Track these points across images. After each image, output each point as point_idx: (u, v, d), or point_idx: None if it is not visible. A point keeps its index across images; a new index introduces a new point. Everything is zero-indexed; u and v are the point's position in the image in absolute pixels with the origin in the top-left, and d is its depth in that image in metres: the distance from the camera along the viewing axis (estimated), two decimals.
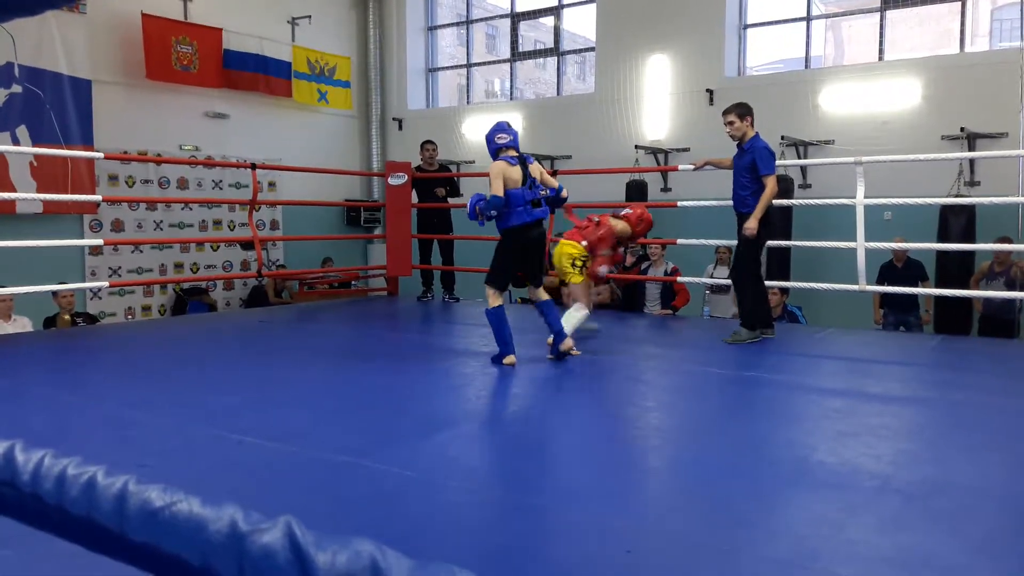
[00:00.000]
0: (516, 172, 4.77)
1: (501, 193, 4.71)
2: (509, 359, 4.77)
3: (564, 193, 5.15)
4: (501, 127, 4.93)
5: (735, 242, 5.95)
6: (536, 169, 4.92)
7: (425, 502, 2.58)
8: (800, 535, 2.35)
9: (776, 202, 8.28)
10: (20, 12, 0.64)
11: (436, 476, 2.82)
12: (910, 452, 3.26)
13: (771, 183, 5.53)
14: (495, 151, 4.87)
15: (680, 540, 2.32)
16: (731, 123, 5.66)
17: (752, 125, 5.68)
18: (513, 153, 4.83)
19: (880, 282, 7.73)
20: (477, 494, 2.68)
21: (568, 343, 4.96)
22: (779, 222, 5.64)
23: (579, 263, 5.55)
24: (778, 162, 8.35)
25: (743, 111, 5.67)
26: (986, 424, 3.66)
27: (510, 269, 4.99)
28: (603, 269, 5.72)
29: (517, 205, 4.75)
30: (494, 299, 4.85)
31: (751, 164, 5.58)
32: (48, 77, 8.71)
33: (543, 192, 4.90)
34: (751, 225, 5.50)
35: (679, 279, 7.34)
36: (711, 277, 7.96)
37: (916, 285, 7.27)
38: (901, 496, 2.66)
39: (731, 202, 5.78)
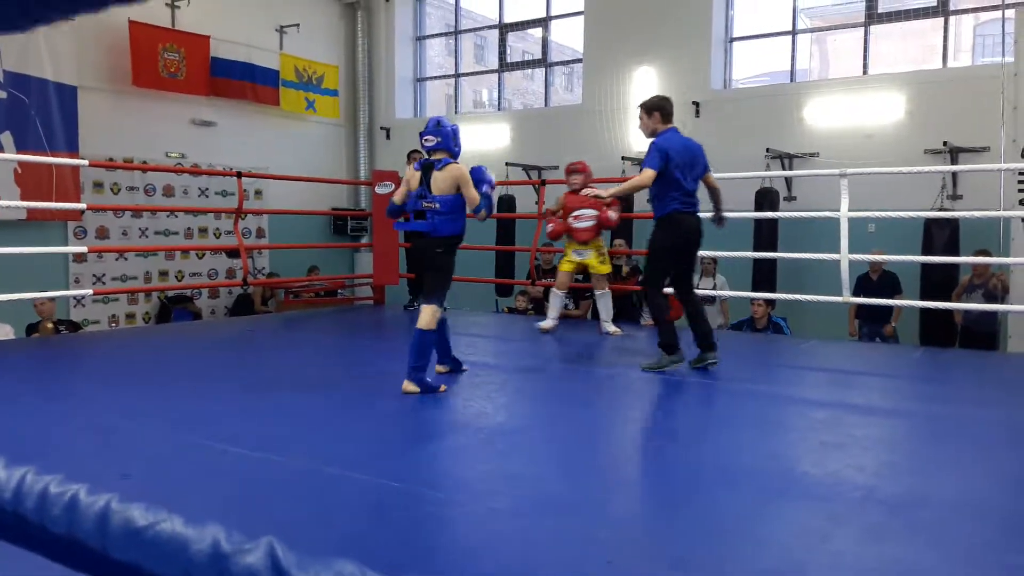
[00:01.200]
0: (415, 178, 4.49)
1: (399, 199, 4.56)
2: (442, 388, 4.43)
3: (482, 213, 4.53)
4: (429, 127, 4.50)
5: (725, 253, 5.95)
6: (444, 176, 4.41)
7: (410, 513, 2.57)
8: (785, 546, 2.36)
9: (761, 215, 8.41)
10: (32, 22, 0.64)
11: (422, 487, 2.81)
12: (893, 463, 3.28)
13: (646, 174, 4.90)
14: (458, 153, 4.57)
15: (663, 551, 2.32)
16: (640, 119, 5.21)
17: (665, 120, 5.12)
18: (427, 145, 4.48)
19: (856, 293, 7.78)
20: (463, 505, 2.67)
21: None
22: (687, 234, 5.00)
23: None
24: (763, 173, 8.50)
25: (648, 106, 5.16)
26: (968, 436, 3.69)
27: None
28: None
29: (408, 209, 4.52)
30: (427, 317, 4.44)
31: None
32: (34, 83, 8.66)
33: (430, 204, 4.40)
34: (599, 192, 5.16)
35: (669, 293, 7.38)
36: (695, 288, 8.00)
37: (891, 297, 7.33)
38: (884, 507, 2.67)
39: (723, 213, 5.67)
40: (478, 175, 4.56)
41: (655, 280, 5.14)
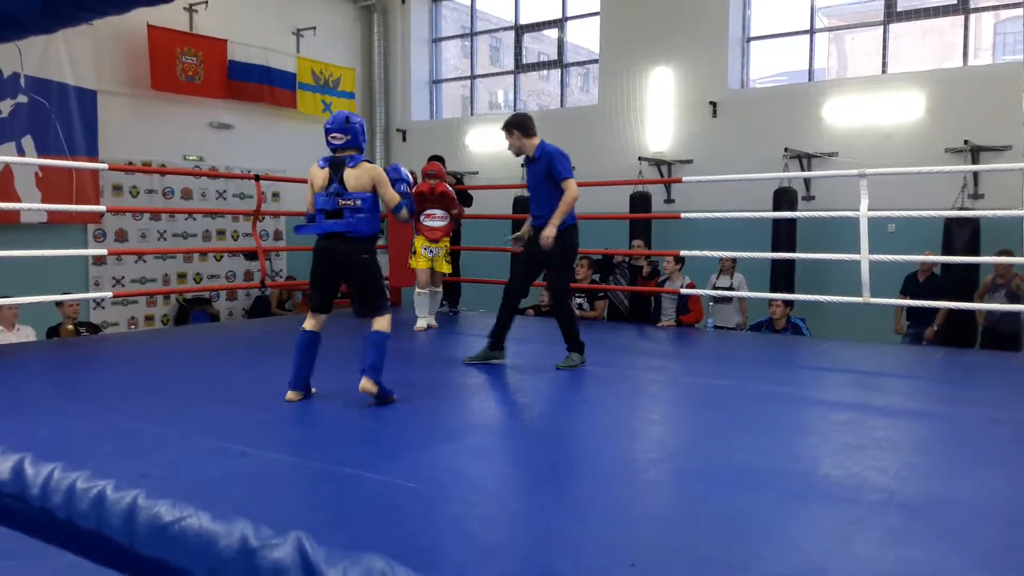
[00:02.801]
0: (320, 176, 4.16)
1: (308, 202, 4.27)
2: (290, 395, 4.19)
3: (403, 213, 4.33)
4: (336, 121, 4.19)
5: (743, 253, 5.88)
6: (358, 174, 4.10)
7: (427, 514, 2.57)
8: (806, 549, 2.34)
9: (780, 214, 8.37)
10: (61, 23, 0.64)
11: (439, 488, 2.81)
12: (915, 466, 3.25)
13: (570, 187, 4.99)
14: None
15: (685, 553, 2.31)
16: (507, 139, 5.26)
17: (530, 134, 5.17)
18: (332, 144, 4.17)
19: (903, 293, 7.74)
20: (480, 506, 2.67)
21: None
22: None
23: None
24: (782, 174, 8.45)
25: (508, 125, 5.22)
26: (991, 438, 3.65)
27: (314, 287, 4.35)
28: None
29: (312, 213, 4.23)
30: (308, 321, 4.34)
31: (547, 172, 5.08)
32: (54, 87, 8.75)
33: (348, 202, 4.07)
34: (548, 233, 4.93)
35: (692, 294, 7.38)
36: (714, 288, 7.96)
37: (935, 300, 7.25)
38: (906, 510, 2.64)
39: (735, 213, 5.70)
40: (394, 174, 4.38)
41: (568, 285, 5.37)
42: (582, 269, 7.96)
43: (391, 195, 4.19)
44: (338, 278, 4.24)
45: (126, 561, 0.59)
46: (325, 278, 4.24)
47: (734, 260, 8.17)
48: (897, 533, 2.44)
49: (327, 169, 4.12)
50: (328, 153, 4.20)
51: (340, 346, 6.29)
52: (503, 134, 5.28)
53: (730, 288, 7.92)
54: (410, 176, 4.64)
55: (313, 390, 4.31)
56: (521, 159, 5.41)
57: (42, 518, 0.63)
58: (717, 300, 8.11)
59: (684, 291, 7.31)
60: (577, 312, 7.86)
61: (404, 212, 4.30)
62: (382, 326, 4.15)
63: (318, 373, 4.28)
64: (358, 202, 4.06)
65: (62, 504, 0.62)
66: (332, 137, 4.13)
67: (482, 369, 5.13)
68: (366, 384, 4.00)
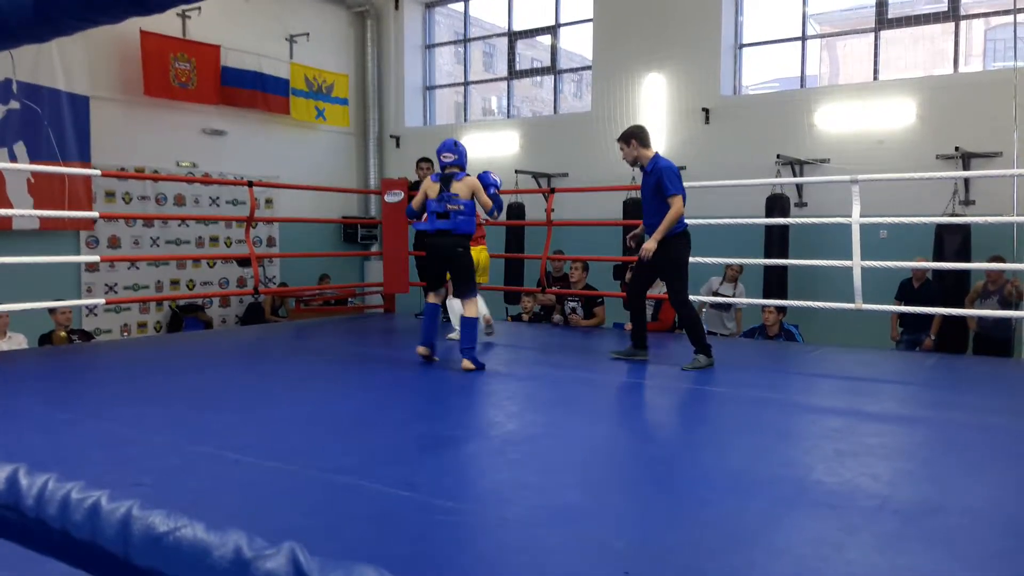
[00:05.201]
0: (433, 188, 5.36)
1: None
2: (420, 350, 5.44)
3: (495, 215, 5.56)
4: (444, 147, 5.45)
5: (736, 260, 5.91)
6: (462, 186, 5.31)
7: (422, 522, 2.56)
8: (800, 555, 2.34)
9: (772, 221, 8.40)
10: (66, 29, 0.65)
11: (433, 495, 2.80)
12: (908, 472, 3.26)
13: (676, 203, 5.33)
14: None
15: (679, 560, 2.31)
16: (621, 150, 5.54)
17: (646, 146, 5.48)
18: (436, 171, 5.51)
19: (898, 299, 7.76)
20: (474, 514, 2.67)
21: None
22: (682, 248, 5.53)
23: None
24: (774, 180, 8.48)
25: (626, 136, 5.50)
26: (984, 444, 3.66)
27: (427, 273, 5.54)
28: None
29: (428, 213, 5.38)
30: (429, 296, 5.50)
31: (656, 185, 5.40)
32: (46, 93, 8.73)
33: (454, 207, 5.25)
34: (648, 247, 5.32)
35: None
36: (714, 293, 7.97)
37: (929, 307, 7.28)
38: (899, 516, 2.65)
39: (728, 220, 5.78)
40: (484, 179, 5.43)
41: (686, 291, 5.54)
42: (576, 272, 7.95)
43: (486, 200, 5.37)
44: (443, 264, 5.36)
45: (121, 572, 0.59)
46: (434, 265, 5.39)
47: (740, 268, 8.17)
48: (890, 539, 2.44)
49: (439, 183, 5.31)
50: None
51: (349, 353, 6.30)
52: (618, 145, 5.53)
53: (731, 297, 7.94)
54: (498, 180, 5.55)
55: (436, 358, 5.47)
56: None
57: (37, 529, 0.63)
58: (713, 307, 8.13)
59: (703, 298, 7.31)
60: (570, 321, 7.87)
61: (496, 213, 5.47)
62: (470, 312, 5.29)
63: (322, 380, 4.27)
64: (461, 207, 5.24)
65: (57, 515, 0.62)
66: (444, 156, 5.38)
67: (476, 375, 5.12)
68: (466, 364, 5.16)
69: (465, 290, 5.31)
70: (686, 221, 5.53)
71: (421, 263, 5.58)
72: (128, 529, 0.59)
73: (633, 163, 5.56)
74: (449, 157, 5.36)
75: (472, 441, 3.69)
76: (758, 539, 2.46)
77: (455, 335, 6.88)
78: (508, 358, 6.09)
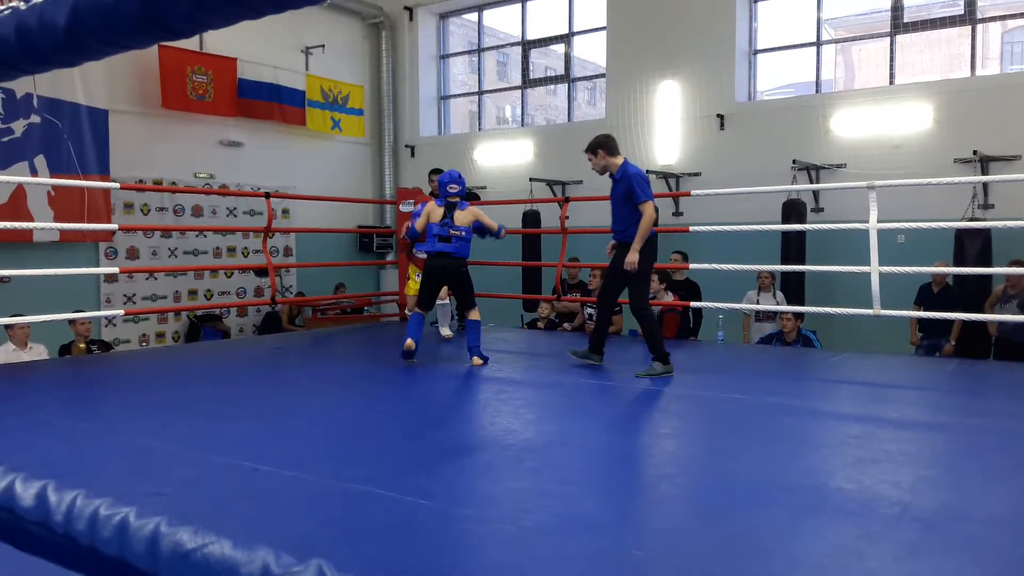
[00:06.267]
0: (438, 212, 5.96)
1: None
2: (408, 343, 5.86)
3: (503, 233, 6.22)
4: (450, 178, 5.99)
5: (753, 267, 5.90)
6: (465, 214, 5.95)
7: (439, 531, 2.57)
8: (820, 564, 2.33)
9: (788, 227, 8.36)
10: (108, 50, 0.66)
11: (450, 504, 2.81)
12: (929, 479, 3.23)
13: (647, 209, 5.34)
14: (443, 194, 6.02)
15: (698, 569, 2.30)
16: (589, 160, 5.59)
17: (614, 154, 5.51)
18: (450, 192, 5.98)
19: (917, 304, 7.71)
20: (491, 523, 2.67)
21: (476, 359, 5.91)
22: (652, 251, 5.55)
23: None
24: (790, 187, 8.45)
25: (592, 147, 5.55)
26: (1005, 450, 3.63)
27: (424, 291, 6.07)
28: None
29: (428, 236, 5.93)
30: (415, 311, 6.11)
31: (626, 193, 5.42)
32: (66, 107, 8.83)
33: (456, 232, 5.86)
34: (631, 259, 5.33)
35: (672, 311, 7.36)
36: (756, 303, 7.93)
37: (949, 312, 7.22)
38: (920, 524, 2.63)
39: (744, 226, 5.77)
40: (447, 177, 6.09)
41: (647, 298, 5.61)
42: (595, 280, 7.94)
43: (491, 223, 6.10)
44: (443, 283, 6.06)
45: None
46: (433, 283, 5.98)
47: (773, 276, 8.13)
48: (912, 547, 2.43)
49: (443, 208, 5.91)
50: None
51: (365, 362, 6.32)
52: (587, 156, 5.60)
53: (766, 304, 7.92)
54: (461, 181, 6.09)
55: (414, 361, 5.93)
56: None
57: (66, 544, 0.64)
58: (759, 317, 8.10)
59: (698, 304, 7.29)
60: (587, 328, 7.86)
61: (503, 231, 6.19)
62: (475, 316, 6.01)
63: (339, 388, 4.28)
64: (462, 232, 5.88)
65: (85, 531, 0.63)
66: (450, 187, 5.94)
67: (491, 383, 5.13)
68: (476, 360, 5.85)
69: (470, 304, 6.01)
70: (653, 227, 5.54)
71: (425, 281, 6.03)
72: (156, 545, 0.60)
73: (602, 172, 5.58)
74: (455, 188, 5.93)
75: (489, 449, 3.70)
76: (778, 547, 2.45)
77: (448, 332, 7.66)
78: (524, 366, 6.09)
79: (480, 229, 6.07)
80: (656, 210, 5.49)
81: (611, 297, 5.74)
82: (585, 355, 5.78)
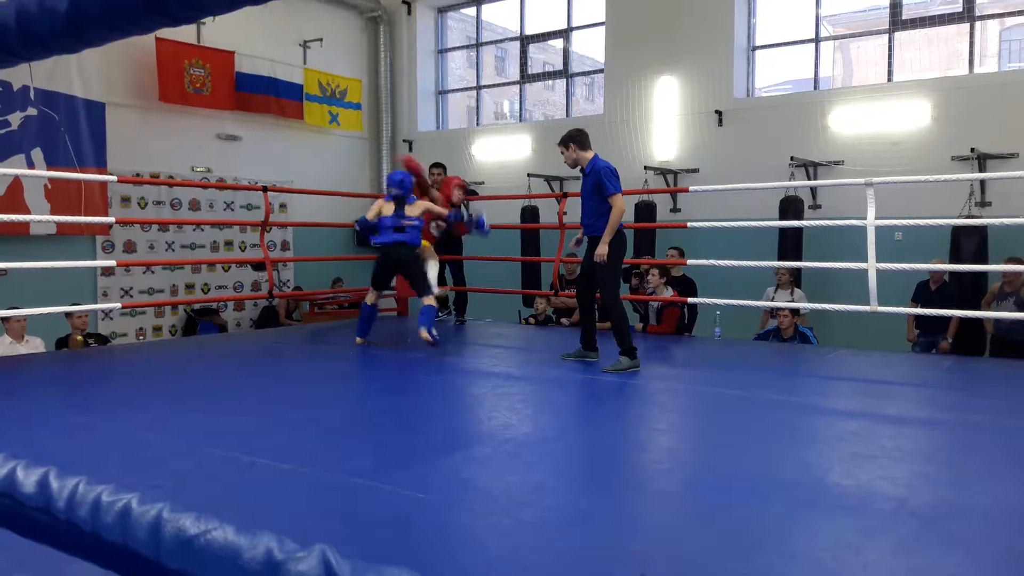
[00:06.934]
0: (388, 207, 6.41)
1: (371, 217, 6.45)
2: (359, 340, 6.50)
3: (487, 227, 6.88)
4: (395, 179, 6.48)
5: (750, 263, 5.92)
6: (415, 207, 6.48)
7: (437, 524, 2.57)
8: (817, 559, 2.33)
9: (786, 223, 8.36)
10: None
11: (448, 498, 2.81)
12: (926, 474, 3.24)
13: (617, 202, 5.40)
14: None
15: (695, 563, 2.31)
16: (561, 154, 5.69)
17: (585, 148, 5.59)
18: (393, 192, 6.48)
19: (915, 302, 7.72)
20: (489, 516, 2.67)
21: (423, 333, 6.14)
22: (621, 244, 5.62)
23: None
24: (788, 183, 8.46)
25: (564, 140, 5.64)
26: (1002, 446, 3.64)
27: (380, 275, 6.60)
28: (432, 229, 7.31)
29: (382, 229, 6.37)
30: (370, 296, 6.61)
31: (595, 186, 5.47)
32: (63, 100, 8.81)
33: (409, 222, 6.37)
34: (600, 251, 5.36)
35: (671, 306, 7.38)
36: (771, 300, 7.92)
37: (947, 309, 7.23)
38: (917, 519, 2.64)
39: (742, 222, 5.78)
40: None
41: (616, 290, 5.64)
42: None
43: (441, 212, 6.84)
44: (396, 270, 6.60)
45: (152, 574, 0.60)
46: (388, 270, 6.58)
47: (790, 273, 8.12)
48: (908, 542, 2.43)
49: (392, 203, 6.40)
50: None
51: (362, 356, 6.32)
52: (559, 149, 5.66)
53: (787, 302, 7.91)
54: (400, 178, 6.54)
55: (371, 341, 6.53)
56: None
57: (68, 531, 0.64)
58: (774, 315, 8.10)
59: (691, 301, 7.30)
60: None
61: (486, 226, 6.92)
62: (430, 302, 6.40)
63: (336, 382, 4.28)
64: (414, 223, 6.39)
65: (88, 517, 0.63)
66: (390, 189, 6.49)
67: (488, 378, 5.14)
68: (423, 334, 6.08)
69: (424, 289, 6.45)
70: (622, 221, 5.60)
71: (378, 268, 6.57)
72: (159, 531, 0.60)
73: (573, 166, 5.66)
74: (393, 191, 6.45)
75: (486, 444, 3.70)
76: (775, 542, 2.45)
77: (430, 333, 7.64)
78: (521, 360, 6.10)
79: (465, 224, 6.77)
80: (626, 204, 5.54)
81: (588, 292, 5.77)
82: (580, 355, 5.76)
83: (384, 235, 6.38)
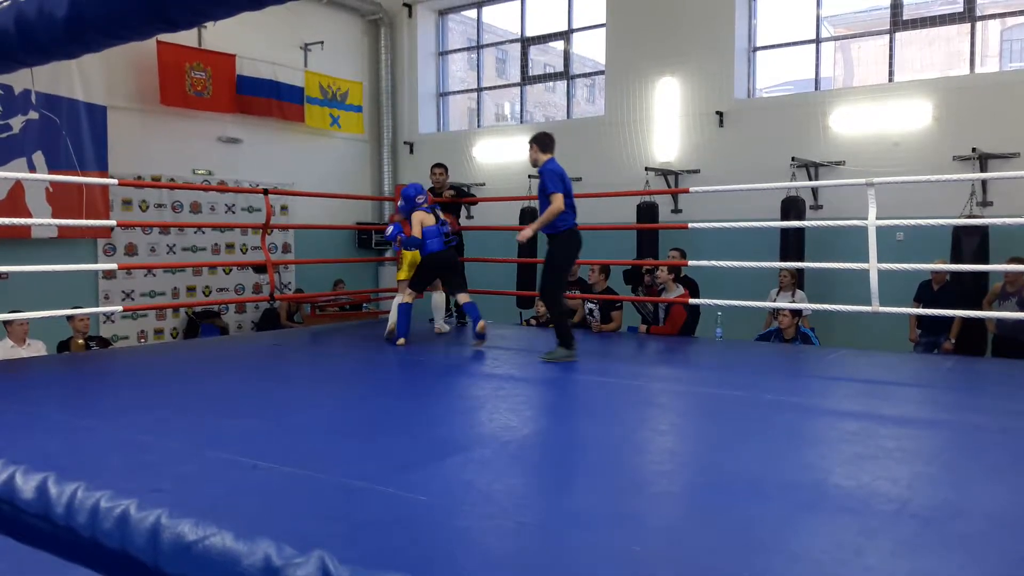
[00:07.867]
0: (430, 218, 6.84)
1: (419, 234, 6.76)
2: (401, 341, 6.70)
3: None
4: (420, 190, 6.86)
5: (751, 263, 5.92)
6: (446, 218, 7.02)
7: (439, 527, 2.57)
8: (818, 560, 2.33)
9: (787, 224, 8.36)
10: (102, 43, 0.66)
11: (449, 500, 2.81)
12: (927, 475, 3.24)
13: (555, 200, 5.76)
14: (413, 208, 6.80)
15: (696, 565, 2.30)
16: (529, 151, 6.05)
17: (545, 151, 5.94)
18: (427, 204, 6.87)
19: (917, 302, 7.71)
20: (491, 519, 2.67)
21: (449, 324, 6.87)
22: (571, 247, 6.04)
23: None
24: (789, 184, 8.45)
25: (531, 140, 6.04)
26: (1004, 447, 3.63)
27: (427, 279, 6.99)
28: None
29: (430, 237, 6.75)
30: (408, 297, 6.83)
31: (541, 186, 5.93)
32: (64, 103, 8.82)
33: (446, 229, 6.88)
34: (524, 234, 6.02)
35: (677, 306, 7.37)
36: (774, 301, 7.92)
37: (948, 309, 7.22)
38: (918, 520, 2.63)
39: (743, 223, 5.80)
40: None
41: (561, 286, 6.13)
42: (593, 275, 7.92)
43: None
44: (443, 273, 7.04)
45: None
46: (437, 274, 7.03)
47: (793, 275, 8.12)
48: (910, 543, 2.43)
49: (431, 214, 6.83)
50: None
51: (363, 358, 6.32)
52: (522, 147, 5.98)
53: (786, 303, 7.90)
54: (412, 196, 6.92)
55: (402, 340, 6.74)
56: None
57: (67, 537, 0.64)
58: (777, 316, 8.09)
59: (693, 301, 7.29)
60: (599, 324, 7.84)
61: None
62: (468, 299, 6.94)
63: (337, 385, 4.28)
64: (449, 228, 6.87)
65: (86, 523, 0.63)
66: (418, 199, 6.80)
67: (489, 380, 5.14)
68: (482, 325, 6.61)
69: (463, 287, 7.05)
70: (576, 221, 5.98)
71: (426, 272, 6.85)
72: (157, 537, 0.60)
73: (534, 165, 6.06)
74: (421, 199, 6.80)
75: (488, 445, 3.70)
76: (776, 543, 2.45)
77: (443, 327, 7.89)
78: (522, 362, 6.09)
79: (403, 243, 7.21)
80: (573, 206, 5.94)
81: (546, 290, 6.08)
82: (563, 355, 5.82)
83: (433, 243, 6.79)
